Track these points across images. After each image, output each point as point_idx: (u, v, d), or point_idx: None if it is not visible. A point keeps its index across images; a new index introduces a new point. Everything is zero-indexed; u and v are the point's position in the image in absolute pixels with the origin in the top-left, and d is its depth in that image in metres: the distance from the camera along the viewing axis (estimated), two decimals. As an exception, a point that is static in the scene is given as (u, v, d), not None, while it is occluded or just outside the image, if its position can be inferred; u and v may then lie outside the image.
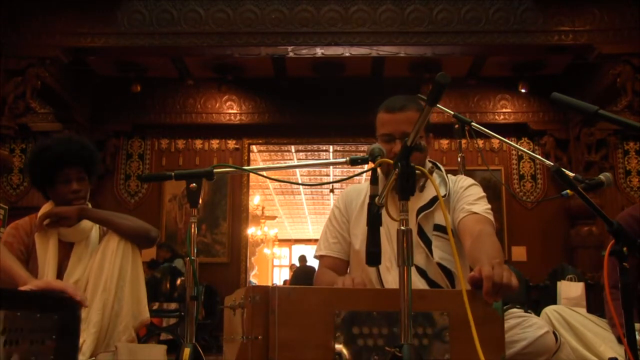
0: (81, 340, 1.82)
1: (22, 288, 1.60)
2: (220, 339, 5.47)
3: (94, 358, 1.89)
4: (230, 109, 7.11)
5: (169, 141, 7.24)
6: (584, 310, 2.62)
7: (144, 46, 5.52)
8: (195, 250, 1.52)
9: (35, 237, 2.10)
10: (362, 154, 1.63)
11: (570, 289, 5.50)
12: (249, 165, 7.04)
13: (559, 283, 5.64)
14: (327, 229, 2.05)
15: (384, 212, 1.29)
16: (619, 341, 2.09)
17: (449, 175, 1.98)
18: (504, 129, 6.52)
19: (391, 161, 1.31)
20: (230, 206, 7.07)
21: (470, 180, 1.97)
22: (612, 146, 6.87)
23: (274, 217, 16.08)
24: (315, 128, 7.20)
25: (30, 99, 5.47)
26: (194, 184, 1.53)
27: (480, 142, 6.79)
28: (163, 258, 6.55)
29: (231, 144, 7.27)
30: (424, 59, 6.18)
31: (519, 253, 6.84)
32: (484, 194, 1.92)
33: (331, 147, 9.18)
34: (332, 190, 12.54)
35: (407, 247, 1.13)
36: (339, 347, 1.29)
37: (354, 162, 1.59)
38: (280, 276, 20.24)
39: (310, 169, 11.50)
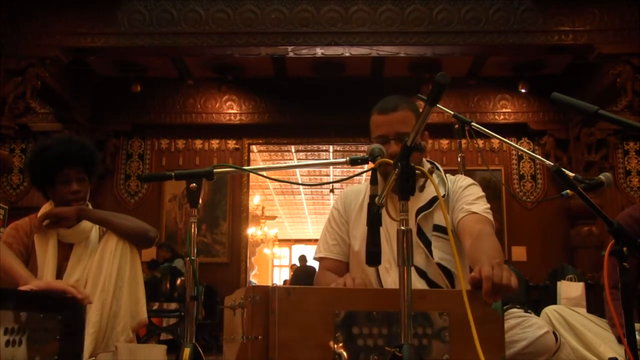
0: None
1: (23, 287, 1.60)
2: (220, 339, 5.47)
3: (93, 358, 1.89)
4: (230, 109, 7.11)
5: (169, 141, 7.24)
6: (584, 310, 2.62)
7: (144, 46, 5.52)
8: (195, 250, 1.52)
9: (34, 238, 2.09)
10: (362, 154, 1.63)
11: (570, 289, 5.50)
12: (249, 165, 7.04)
13: (559, 283, 5.64)
14: (327, 231, 2.04)
15: (383, 212, 1.29)
16: (619, 341, 2.09)
17: (447, 175, 1.97)
18: (504, 129, 6.52)
19: (391, 161, 1.30)
20: (230, 206, 7.07)
21: (469, 180, 1.96)
22: (612, 146, 6.87)
23: (274, 217, 16.08)
24: (315, 128, 7.20)
25: (30, 99, 5.47)
26: (194, 184, 1.53)
27: (480, 142, 6.79)
28: (163, 258, 6.55)
29: (231, 144, 7.27)
30: (424, 59, 6.18)
31: (519, 253, 6.84)
32: (483, 193, 1.91)
33: (331, 147, 9.17)
34: (332, 190, 12.54)
35: (407, 247, 1.13)
36: (338, 347, 1.28)
37: (354, 162, 1.59)
38: (280, 276, 20.24)
39: (310, 169, 11.50)
